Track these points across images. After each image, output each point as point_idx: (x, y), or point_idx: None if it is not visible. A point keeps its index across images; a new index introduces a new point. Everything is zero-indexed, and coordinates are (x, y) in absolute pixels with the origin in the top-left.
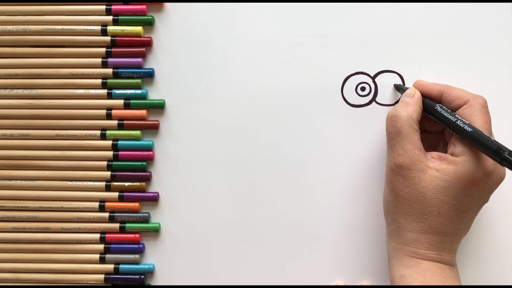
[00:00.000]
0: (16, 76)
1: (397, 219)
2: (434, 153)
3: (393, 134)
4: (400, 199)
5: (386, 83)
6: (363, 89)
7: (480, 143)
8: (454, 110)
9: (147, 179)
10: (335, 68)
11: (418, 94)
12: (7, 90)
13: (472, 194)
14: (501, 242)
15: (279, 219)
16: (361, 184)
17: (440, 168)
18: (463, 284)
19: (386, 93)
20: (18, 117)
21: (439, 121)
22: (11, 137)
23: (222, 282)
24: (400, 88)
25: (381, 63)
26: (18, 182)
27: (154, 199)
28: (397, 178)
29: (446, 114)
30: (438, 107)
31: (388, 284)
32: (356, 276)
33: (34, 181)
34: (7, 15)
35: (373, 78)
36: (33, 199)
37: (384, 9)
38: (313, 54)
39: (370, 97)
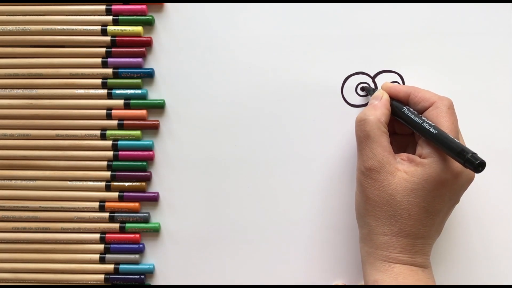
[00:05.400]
0: (16, 76)
1: (368, 222)
2: (404, 155)
3: (362, 137)
4: (370, 202)
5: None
6: (363, 89)
7: (445, 145)
8: (420, 112)
9: (147, 179)
10: (335, 68)
11: (386, 97)
12: (7, 90)
13: (442, 195)
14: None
15: (279, 219)
16: None
17: (409, 170)
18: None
19: None
20: (18, 117)
21: (406, 123)
22: (11, 137)
23: (222, 282)
24: (368, 90)
25: (381, 63)
26: (18, 182)
27: (154, 199)
28: (367, 181)
29: (412, 116)
30: (405, 109)
31: None
32: (356, 276)
33: (34, 181)
34: (7, 15)
35: (373, 78)
36: (33, 199)
37: (384, 9)
38: (313, 54)
39: (370, 97)
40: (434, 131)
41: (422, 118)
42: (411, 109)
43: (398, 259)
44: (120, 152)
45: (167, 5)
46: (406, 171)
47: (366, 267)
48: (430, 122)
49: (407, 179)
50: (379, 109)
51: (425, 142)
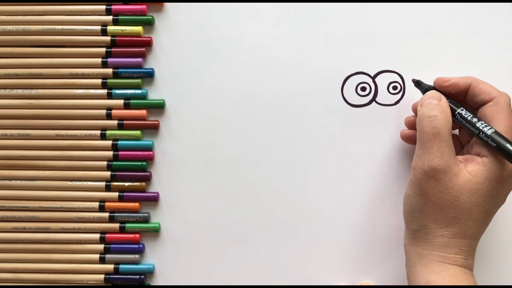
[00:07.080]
0: (16, 76)
1: (425, 225)
2: (460, 157)
3: (431, 134)
4: (431, 205)
5: (386, 83)
6: (363, 89)
7: (500, 150)
8: (479, 104)
9: (147, 179)
10: (335, 68)
11: (445, 99)
12: (7, 90)
13: (499, 195)
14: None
15: (278, 218)
16: (361, 184)
17: (472, 170)
18: None
19: (386, 93)
20: (18, 117)
21: (459, 123)
22: (11, 137)
23: (222, 282)
24: (420, 84)
25: (381, 63)
26: (18, 182)
27: (154, 199)
28: (430, 182)
29: (466, 124)
30: (458, 114)
31: (389, 283)
32: (357, 276)
33: (34, 181)
34: (7, 15)
35: (373, 78)
36: (33, 199)
37: (384, 9)
38: (313, 54)
39: (370, 97)
40: (493, 144)
41: (476, 125)
42: (464, 112)
43: (454, 259)
44: (120, 152)
45: (167, 5)
46: (469, 171)
47: (417, 269)
48: (486, 132)
49: (471, 179)
50: (446, 108)
51: (482, 141)
